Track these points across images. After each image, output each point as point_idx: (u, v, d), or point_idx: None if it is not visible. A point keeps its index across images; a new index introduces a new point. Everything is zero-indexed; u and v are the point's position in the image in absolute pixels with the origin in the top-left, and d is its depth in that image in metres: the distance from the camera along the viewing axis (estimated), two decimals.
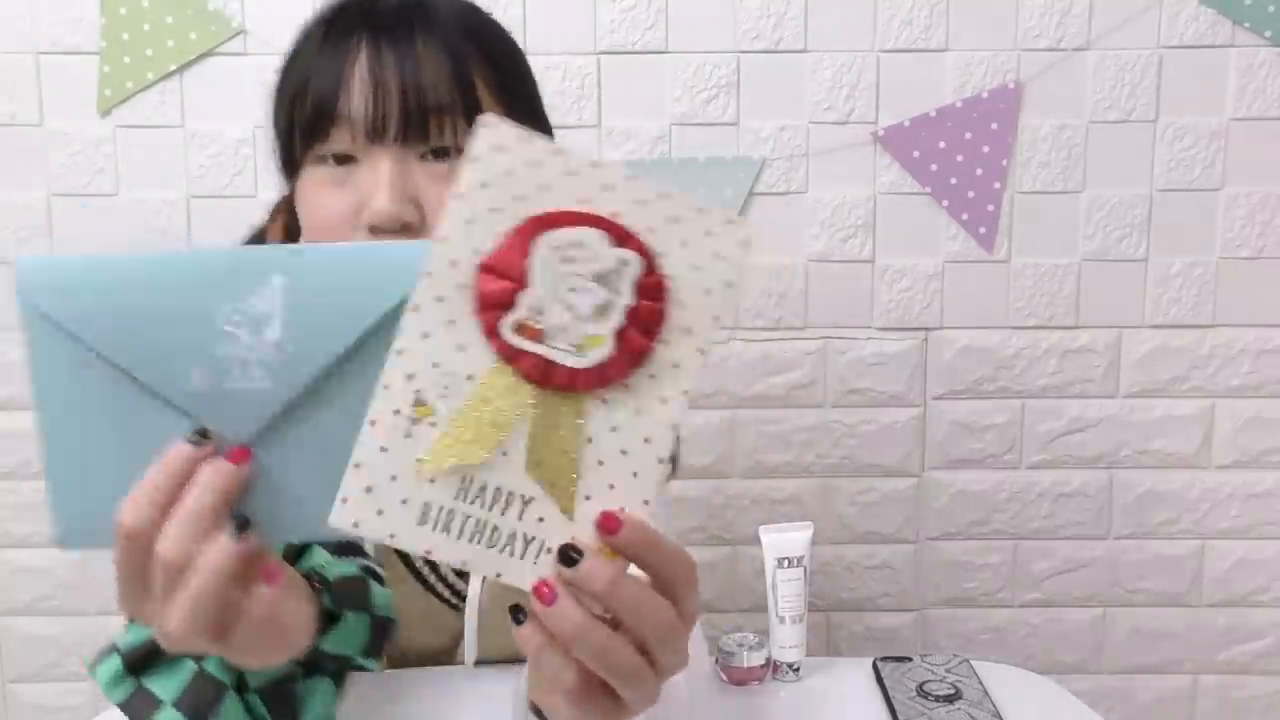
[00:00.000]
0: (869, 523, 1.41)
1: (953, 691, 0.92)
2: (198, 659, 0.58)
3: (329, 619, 0.57)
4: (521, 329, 0.43)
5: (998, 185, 1.34)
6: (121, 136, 1.33)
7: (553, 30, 1.30)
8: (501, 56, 0.72)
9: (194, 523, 0.43)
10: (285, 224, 0.77)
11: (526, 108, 0.74)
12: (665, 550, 0.45)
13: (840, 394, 1.38)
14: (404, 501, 0.43)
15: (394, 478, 0.43)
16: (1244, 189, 1.35)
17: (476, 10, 0.74)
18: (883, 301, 1.37)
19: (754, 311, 1.37)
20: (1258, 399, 1.38)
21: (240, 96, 1.31)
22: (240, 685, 0.58)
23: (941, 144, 1.33)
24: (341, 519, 0.43)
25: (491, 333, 0.43)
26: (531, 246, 0.43)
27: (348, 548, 0.62)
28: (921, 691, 0.93)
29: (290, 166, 0.72)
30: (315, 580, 0.56)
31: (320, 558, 0.59)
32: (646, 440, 0.44)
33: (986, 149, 1.33)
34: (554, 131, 0.77)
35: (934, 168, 1.34)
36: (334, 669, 0.62)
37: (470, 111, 0.68)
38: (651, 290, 0.43)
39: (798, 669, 1.02)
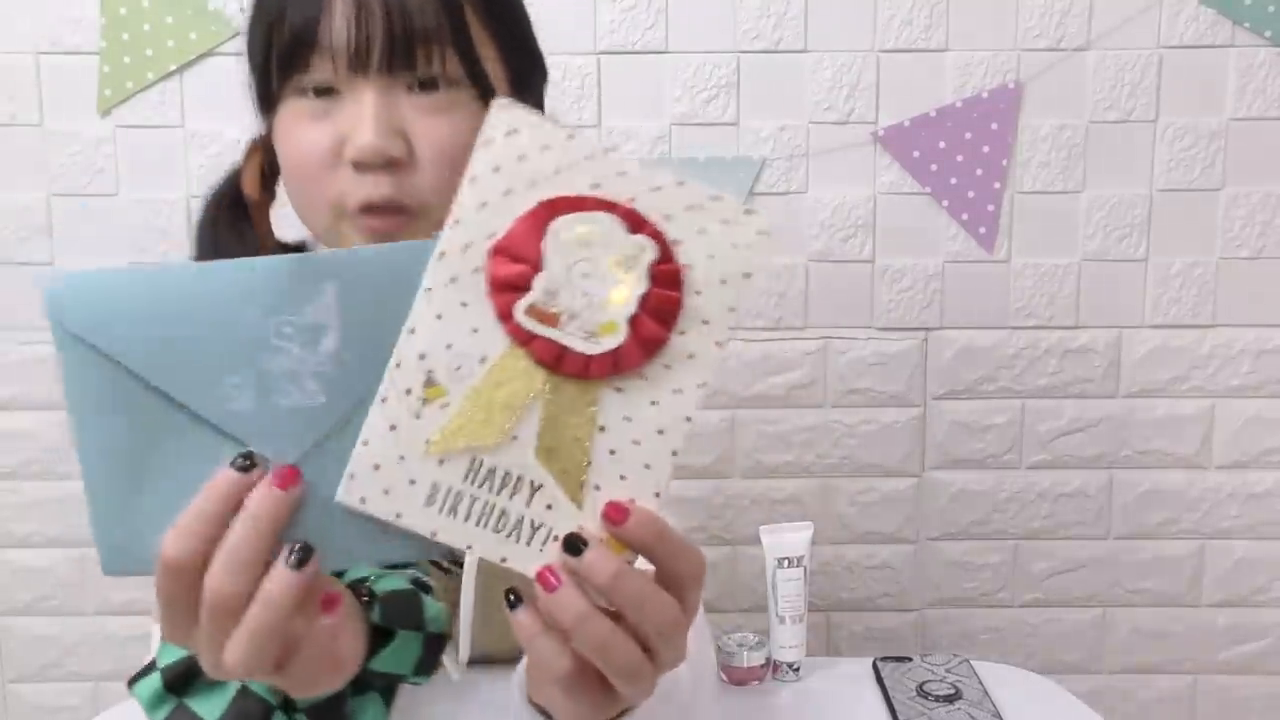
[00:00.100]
0: (869, 523, 1.41)
1: (953, 691, 0.92)
2: None
3: (378, 634, 0.54)
4: (535, 313, 0.42)
5: (998, 185, 1.34)
6: (121, 136, 1.33)
7: (553, 30, 1.30)
8: None
9: (244, 556, 0.41)
10: (262, 163, 0.73)
11: (517, 36, 0.71)
12: (673, 543, 0.44)
13: (840, 394, 1.38)
14: (412, 481, 0.43)
15: (402, 457, 0.43)
16: (1244, 189, 1.35)
17: None
18: (883, 301, 1.37)
19: (754, 311, 1.37)
20: (1258, 399, 1.38)
21: (240, 96, 1.31)
22: (286, 704, 0.56)
23: (941, 144, 1.33)
24: (347, 495, 0.42)
25: (505, 316, 0.43)
26: (545, 231, 0.42)
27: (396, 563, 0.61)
28: (921, 691, 0.93)
29: (267, 102, 0.68)
30: (363, 593, 0.54)
31: (367, 569, 0.57)
32: (660, 432, 0.44)
33: (986, 149, 1.33)
34: (547, 67, 0.75)
35: (934, 168, 1.34)
36: (383, 685, 0.60)
37: (459, 38, 0.63)
38: (667, 278, 0.43)
39: (798, 669, 1.02)
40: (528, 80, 0.71)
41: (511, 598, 0.44)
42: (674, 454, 0.44)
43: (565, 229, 0.42)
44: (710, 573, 1.41)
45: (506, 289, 0.42)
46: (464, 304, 0.43)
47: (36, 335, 1.35)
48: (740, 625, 1.20)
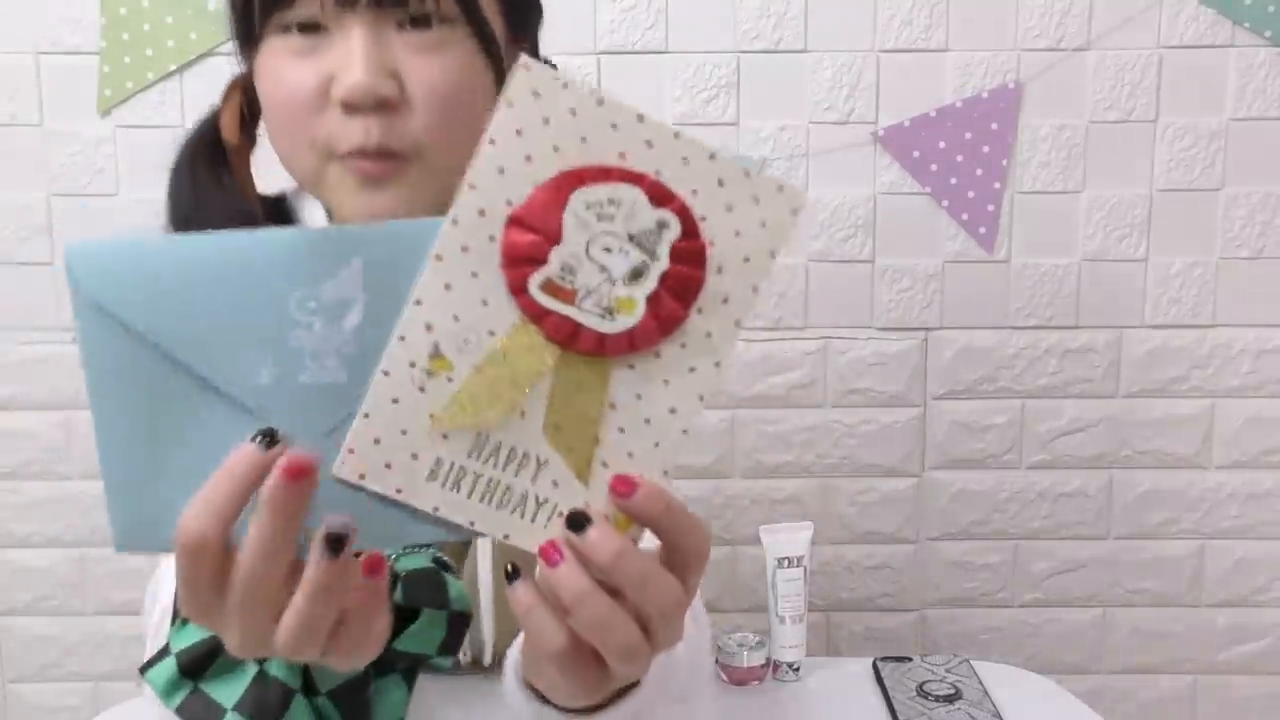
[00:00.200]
0: (869, 523, 1.41)
1: (953, 691, 0.92)
2: (260, 660, 0.53)
3: (401, 615, 0.53)
4: (550, 288, 0.41)
5: (998, 185, 1.34)
6: (121, 136, 1.33)
7: (553, 30, 1.30)
8: None
9: (272, 543, 0.40)
10: (241, 105, 0.69)
11: None
12: (681, 517, 0.42)
13: (840, 394, 1.38)
14: (414, 456, 0.41)
15: (404, 431, 0.41)
16: (1244, 189, 1.35)
17: None
18: (883, 301, 1.37)
19: (754, 311, 1.37)
20: (1258, 399, 1.38)
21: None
22: (307, 688, 0.54)
23: (941, 144, 1.33)
24: (347, 470, 0.41)
25: (518, 289, 0.41)
26: (566, 201, 0.40)
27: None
28: (921, 691, 0.93)
29: (248, 39, 0.64)
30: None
31: (387, 549, 0.55)
32: (672, 410, 0.42)
33: (986, 149, 1.33)
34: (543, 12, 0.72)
35: (934, 168, 1.34)
36: (405, 667, 0.58)
37: None
38: (690, 256, 0.41)
39: (798, 669, 1.02)
40: (523, 19, 0.68)
41: (509, 569, 0.43)
42: (684, 433, 0.42)
43: (587, 201, 0.40)
44: (710, 573, 1.41)
45: (521, 261, 0.40)
46: (475, 274, 0.41)
47: (37, 335, 1.35)
48: (740, 625, 1.20)
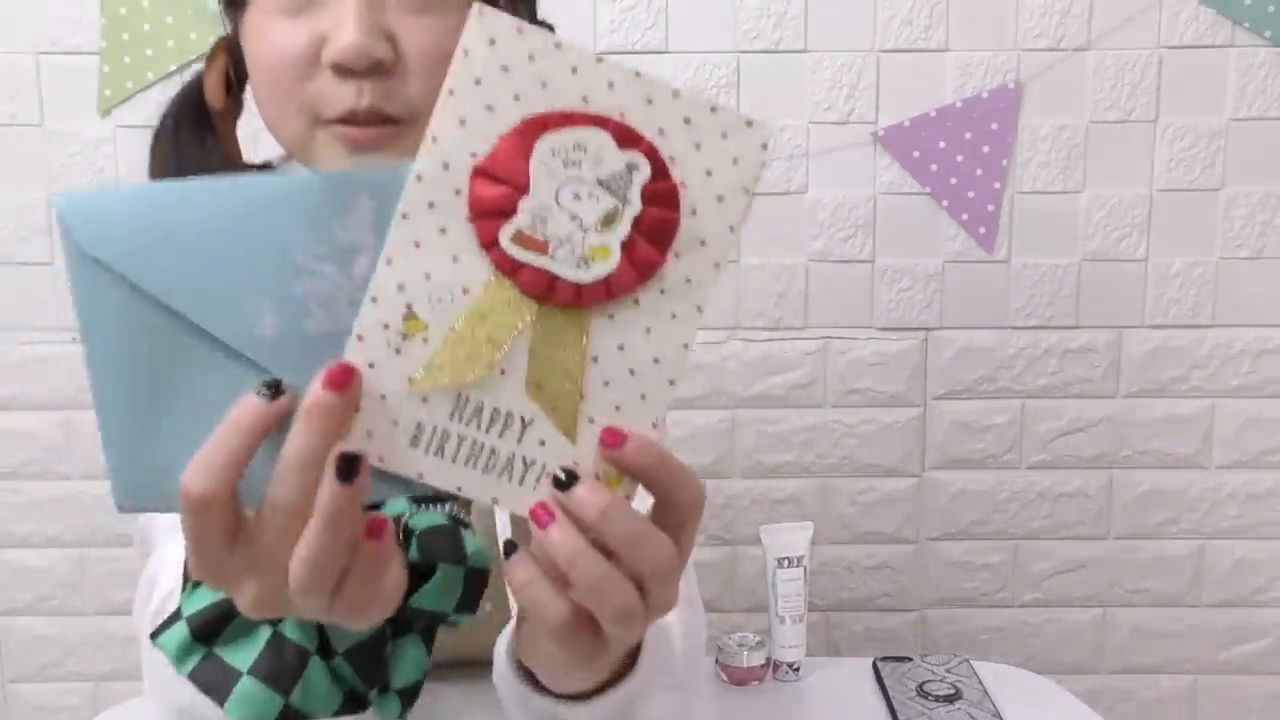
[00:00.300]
0: (869, 523, 1.41)
1: (953, 691, 0.92)
2: (274, 622, 0.51)
3: (417, 573, 0.51)
4: (521, 239, 0.39)
5: (998, 185, 1.34)
6: (121, 136, 1.33)
7: None
8: None
9: (307, 465, 0.38)
10: (227, 68, 0.66)
11: None
12: (674, 469, 0.41)
13: (840, 394, 1.38)
14: (395, 422, 0.40)
15: (383, 396, 0.40)
16: (1244, 189, 1.35)
17: None
18: (883, 301, 1.37)
19: (754, 311, 1.37)
20: (1258, 399, 1.38)
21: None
22: (324, 650, 0.52)
23: (941, 144, 1.33)
24: None
25: (489, 243, 0.40)
26: (531, 149, 0.39)
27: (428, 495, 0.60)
28: (921, 691, 0.93)
29: (235, 1, 0.61)
30: (398, 532, 0.51)
31: (401, 506, 0.54)
32: (656, 360, 0.41)
33: (986, 149, 1.33)
34: None
35: (934, 168, 1.34)
36: (423, 626, 0.56)
37: None
38: (662, 197, 0.40)
39: (798, 669, 1.02)
40: None
41: (506, 544, 0.42)
42: (671, 383, 0.41)
43: (553, 147, 0.39)
44: (710, 573, 1.41)
45: (490, 214, 0.39)
46: (443, 230, 0.39)
47: (37, 335, 1.35)
48: (740, 625, 1.20)
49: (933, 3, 1.31)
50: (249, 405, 0.39)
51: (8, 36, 1.31)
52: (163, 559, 0.62)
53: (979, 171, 1.34)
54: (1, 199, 1.34)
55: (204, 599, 0.51)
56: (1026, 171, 1.34)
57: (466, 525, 0.55)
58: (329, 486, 0.38)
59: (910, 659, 1.01)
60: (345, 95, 0.56)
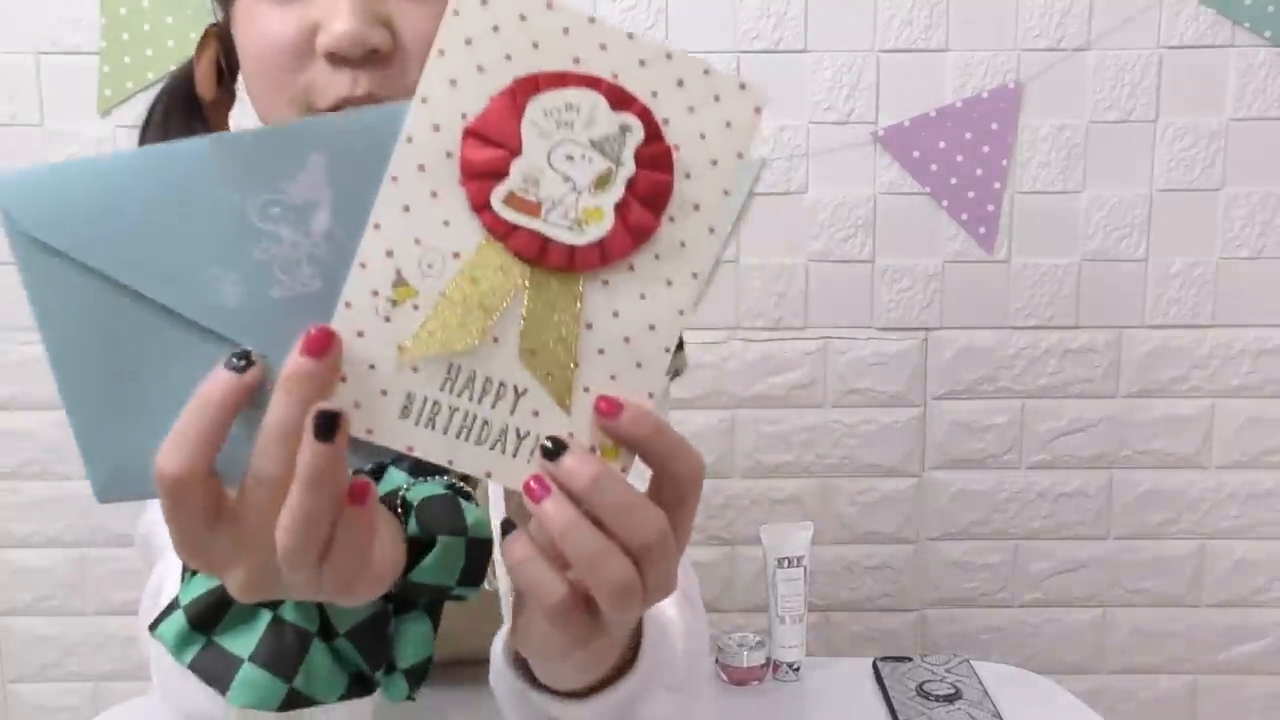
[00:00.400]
0: (869, 523, 1.41)
1: (953, 691, 0.92)
2: (273, 606, 0.50)
3: (417, 547, 0.50)
4: (513, 201, 0.39)
5: (998, 185, 1.34)
6: (122, 136, 1.33)
7: None
8: None
9: (288, 435, 0.37)
10: (218, 56, 0.64)
11: None
12: (671, 440, 0.40)
13: (840, 394, 1.38)
14: (384, 393, 0.39)
15: (372, 366, 0.39)
16: (1244, 189, 1.35)
17: None
18: (883, 301, 1.37)
19: (754, 311, 1.37)
20: (1258, 399, 1.38)
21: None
22: (325, 632, 0.51)
23: (941, 144, 1.33)
24: None
25: (480, 206, 0.39)
26: (523, 110, 0.38)
27: (426, 465, 0.53)
28: (921, 691, 0.93)
29: None
30: (396, 504, 0.50)
31: (399, 479, 0.52)
32: (651, 327, 0.40)
33: (986, 149, 1.33)
34: None
35: (934, 168, 1.34)
36: (428, 601, 0.54)
37: None
38: (656, 160, 0.39)
39: (798, 669, 1.02)
40: None
41: (504, 523, 0.41)
42: (667, 351, 0.40)
43: (545, 108, 0.38)
44: (710, 573, 1.41)
45: (482, 176, 0.38)
46: (434, 194, 0.39)
47: (37, 335, 1.35)
48: (740, 625, 1.20)
49: (933, 3, 1.31)
50: (218, 379, 0.38)
51: (8, 36, 1.31)
52: (168, 566, 0.61)
53: (979, 171, 1.34)
54: None
55: (200, 587, 0.50)
56: (1026, 171, 1.34)
57: (468, 495, 0.53)
58: (308, 447, 0.37)
59: (910, 659, 1.01)
60: (339, 84, 0.54)
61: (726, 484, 1.40)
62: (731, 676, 1.00)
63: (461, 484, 0.54)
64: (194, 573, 0.51)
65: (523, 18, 0.38)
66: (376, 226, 0.39)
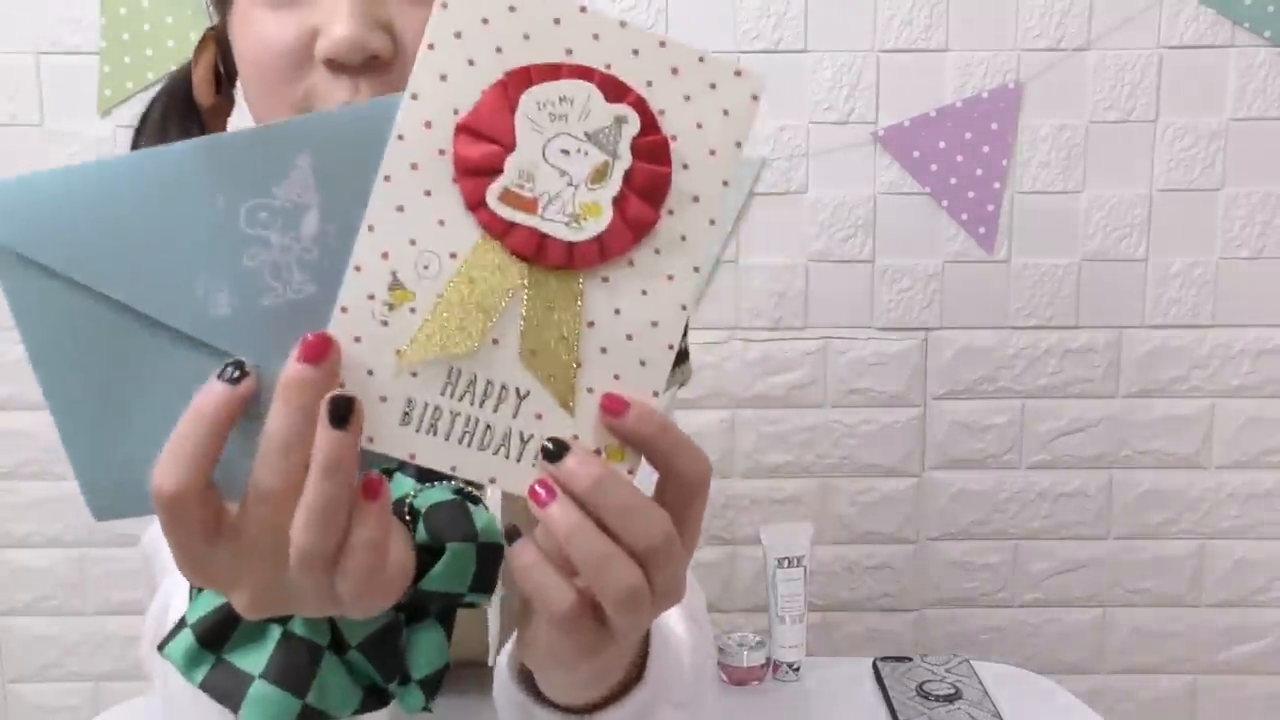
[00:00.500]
0: (869, 523, 1.41)
1: (953, 691, 0.92)
2: (283, 621, 0.49)
3: (427, 556, 0.49)
4: (509, 198, 0.38)
5: (998, 185, 1.34)
6: (122, 136, 1.33)
7: None
8: None
9: (290, 444, 0.37)
10: (216, 61, 0.63)
11: None
12: (677, 439, 0.39)
13: (840, 394, 1.38)
14: (383, 399, 0.38)
15: (370, 372, 0.38)
16: (1244, 189, 1.35)
17: None
18: (883, 301, 1.37)
19: (754, 311, 1.37)
20: (1258, 399, 1.38)
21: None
22: (337, 645, 0.50)
23: (941, 144, 1.33)
24: None
25: (476, 204, 0.38)
26: (516, 103, 0.38)
27: (432, 472, 0.50)
28: (921, 691, 0.93)
29: None
30: (404, 512, 0.49)
31: (406, 485, 0.51)
32: (654, 324, 0.39)
33: (986, 149, 1.33)
34: None
35: (934, 168, 1.34)
36: (440, 610, 0.52)
37: None
38: (653, 151, 0.38)
39: (798, 669, 1.02)
40: None
41: (509, 530, 0.41)
42: (670, 348, 0.40)
43: (538, 101, 0.38)
44: (710, 573, 1.41)
45: (476, 173, 0.38)
46: (428, 193, 0.38)
47: None
48: (740, 625, 1.20)
49: (933, 3, 1.31)
50: (212, 391, 0.37)
51: (8, 36, 1.31)
52: (174, 584, 0.60)
53: (979, 171, 1.34)
54: None
55: (208, 604, 0.49)
56: (1026, 171, 1.34)
57: (477, 500, 0.52)
58: (323, 434, 0.36)
59: (910, 659, 1.01)
60: (339, 91, 0.53)
61: (727, 484, 1.40)
62: (731, 676, 1.00)
63: (470, 488, 0.53)
64: (201, 590, 0.50)
65: (512, 9, 0.37)
66: (370, 228, 0.38)
